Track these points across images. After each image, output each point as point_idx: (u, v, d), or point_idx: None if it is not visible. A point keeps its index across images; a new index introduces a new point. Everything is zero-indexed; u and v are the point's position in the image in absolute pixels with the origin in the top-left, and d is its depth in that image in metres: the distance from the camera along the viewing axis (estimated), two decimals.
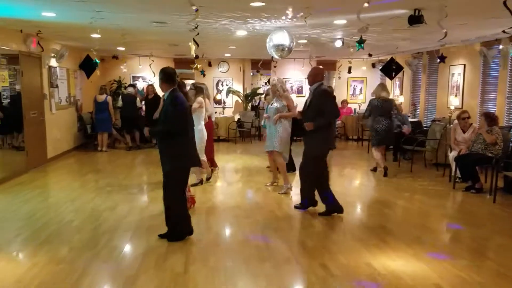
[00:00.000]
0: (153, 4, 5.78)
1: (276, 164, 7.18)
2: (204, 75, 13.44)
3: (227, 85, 14.56)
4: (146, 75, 13.72)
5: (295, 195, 6.82)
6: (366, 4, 5.18)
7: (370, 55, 12.14)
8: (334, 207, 5.74)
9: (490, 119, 7.08)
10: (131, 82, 13.51)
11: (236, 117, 14.25)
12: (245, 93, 14.56)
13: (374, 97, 8.56)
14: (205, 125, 7.24)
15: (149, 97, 11.49)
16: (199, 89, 7.12)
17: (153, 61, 12.87)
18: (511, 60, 8.35)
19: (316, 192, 5.91)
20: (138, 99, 11.78)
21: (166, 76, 4.61)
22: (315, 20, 6.78)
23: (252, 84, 15.35)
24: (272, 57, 7.51)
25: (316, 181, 5.80)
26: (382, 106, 8.31)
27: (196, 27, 6.13)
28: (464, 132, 7.65)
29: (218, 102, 14.34)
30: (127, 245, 4.75)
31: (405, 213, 6.23)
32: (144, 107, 11.76)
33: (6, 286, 3.72)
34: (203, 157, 6.98)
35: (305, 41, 9.30)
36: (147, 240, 4.83)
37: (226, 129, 13.66)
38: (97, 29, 7.56)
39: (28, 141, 8.58)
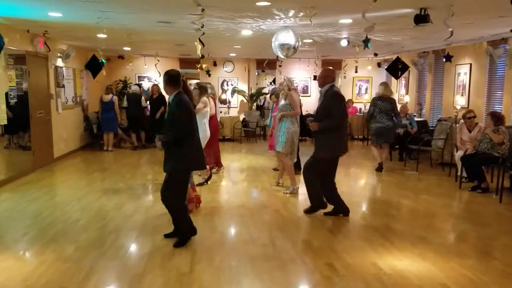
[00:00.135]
0: (159, 4, 5.80)
1: (283, 164, 7.17)
2: (209, 75, 13.47)
3: (232, 84, 14.58)
4: (151, 75, 13.76)
5: (301, 195, 6.83)
6: (371, 4, 5.16)
7: (375, 54, 12.12)
8: (340, 208, 5.74)
9: (496, 118, 7.04)
10: (137, 82, 13.56)
11: (241, 116, 14.26)
12: (250, 93, 14.57)
13: (376, 96, 8.76)
14: (211, 124, 7.25)
15: (154, 96, 11.59)
16: (203, 89, 7.06)
17: (158, 61, 12.91)
18: None
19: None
20: (143, 98, 11.83)
21: (171, 78, 4.56)
22: (320, 19, 6.77)
23: (257, 83, 15.35)
24: (278, 56, 7.50)
25: (320, 182, 5.69)
26: (382, 105, 8.48)
27: (202, 27, 6.14)
28: (470, 131, 7.63)
29: (223, 101, 14.35)
30: (133, 244, 4.78)
31: (411, 213, 6.22)
32: (149, 107, 11.82)
33: (13, 285, 3.75)
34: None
35: (310, 40, 9.29)
36: (153, 239, 4.85)
37: (231, 129, 13.67)
38: (103, 29, 7.60)
39: (35, 141, 8.63)
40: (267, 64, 11.84)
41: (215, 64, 14.13)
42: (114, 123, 11.35)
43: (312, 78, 14.41)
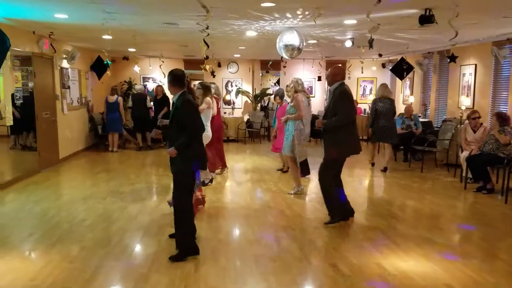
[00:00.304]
0: (164, 5, 5.82)
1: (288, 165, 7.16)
2: (214, 76, 13.50)
3: (236, 85, 14.60)
4: (156, 76, 13.81)
5: (306, 195, 6.85)
6: (376, 4, 5.16)
7: (380, 55, 12.09)
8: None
9: (502, 119, 7.02)
10: (142, 83, 13.61)
11: (245, 117, 14.28)
12: (254, 94, 14.58)
13: (376, 97, 8.96)
14: (214, 124, 7.24)
15: (158, 97, 11.64)
16: (207, 89, 6.95)
17: (163, 62, 12.95)
18: None
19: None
20: (148, 98, 11.87)
21: (176, 78, 4.40)
22: (325, 20, 6.78)
23: (261, 84, 15.36)
24: (282, 57, 7.50)
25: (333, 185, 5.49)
26: (383, 106, 8.63)
27: (206, 28, 6.16)
28: (474, 132, 7.60)
29: (227, 102, 14.39)
30: (138, 244, 4.80)
31: (416, 213, 6.21)
32: (153, 107, 11.87)
33: (20, 284, 3.78)
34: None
35: (314, 41, 9.29)
36: (158, 239, 4.87)
37: (236, 130, 13.69)
38: (108, 31, 7.63)
39: (41, 142, 8.68)
40: (271, 65, 11.85)
41: (219, 65, 14.15)
42: (119, 124, 11.40)
43: (317, 79, 14.42)
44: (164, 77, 12.33)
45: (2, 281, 3.85)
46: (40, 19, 7.04)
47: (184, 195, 4.39)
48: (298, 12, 6.21)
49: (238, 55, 13.43)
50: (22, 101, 8.19)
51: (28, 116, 8.34)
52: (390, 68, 12.45)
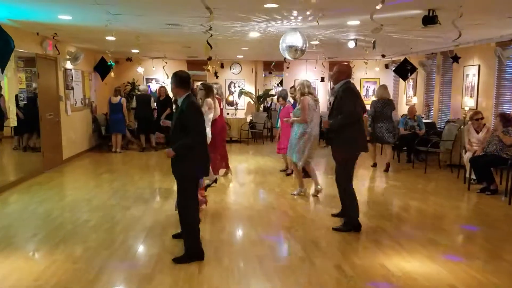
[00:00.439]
0: (168, 6, 5.84)
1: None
2: (217, 77, 13.51)
3: (239, 86, 14.61)
4: (159, 77, 13.84)
5: (309, 196, 6.85)
6: (379, 6, 5.15)
7: (383, 56, 12.08)
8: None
9: (505, 120, 7.00)
10: (145, 84, 13.64)
11: (248, 118, 14.29)
12: (257, 95, 14.59)
13: (375, 99, 9.02)
14: (216, 125, 7.23)
15: (161, 98, 11.66)
16: (209, 89, 6.77)
17: (166, 63, 12.97)
18: None
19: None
20: (152, 99, 11.89)
21: (181, 80, 4.26)
22: (328, 21, 6.78)
23: (264, 85, 15.36)
24: (285, 58, 7.49)
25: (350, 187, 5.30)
26: (382, 107, 8.69)
27: (210, 29, 6.17)
28: (477, 132, 7.59)
29: (230, 103, 14.40)
30: (141, 245, 4.81)
31: (419, 214, 6.19)
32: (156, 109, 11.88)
33: (24, 285, 3.80)
34: None
35: (317, 42, 9.29)
36: (162, 240, 4.88)
37: (238, 130, 13.70)
38: (112, 32, 7.65)
39: (44, 142, 8.70)
40: (274, 66, 11.86)
41: (222, 66, 14.16)
42: (122, 124, 11.42)
43: (320, 79, 14.42)
44: (168, 78, 12.34)
45: (6, 281, 3.86)
46: (44, 21, 7.06)
47: (187, 200, 4.31)
48: (301, 13, 6.21)
49: (241, 56, 13.44)
50: (26, 102, 8.22)
51: (32, 117, 8.37)
52: (393, 69, 12.41)
